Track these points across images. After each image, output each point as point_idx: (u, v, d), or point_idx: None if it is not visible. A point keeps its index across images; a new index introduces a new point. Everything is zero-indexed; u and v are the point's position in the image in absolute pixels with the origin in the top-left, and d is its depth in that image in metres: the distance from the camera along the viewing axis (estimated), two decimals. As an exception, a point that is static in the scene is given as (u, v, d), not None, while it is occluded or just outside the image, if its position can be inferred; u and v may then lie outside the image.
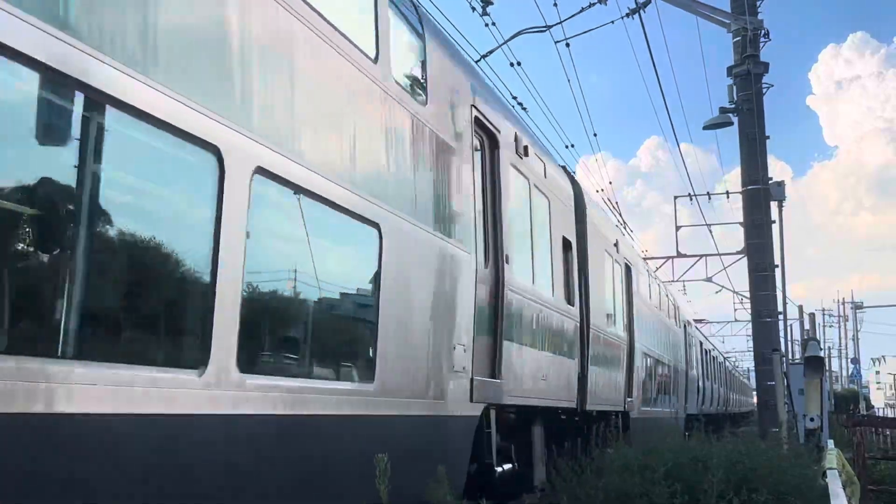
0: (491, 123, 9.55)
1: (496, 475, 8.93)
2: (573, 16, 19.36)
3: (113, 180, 4.32)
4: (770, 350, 20.17)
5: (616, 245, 17.19)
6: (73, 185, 4.07)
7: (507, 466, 9.52)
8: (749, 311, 24.21)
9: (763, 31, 21.74)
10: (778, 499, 7.26)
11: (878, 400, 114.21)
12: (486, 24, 16.04)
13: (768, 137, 21.96)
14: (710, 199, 32.90)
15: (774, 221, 22.44)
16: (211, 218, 4.84)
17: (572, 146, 59.13)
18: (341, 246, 6.73)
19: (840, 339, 78.87)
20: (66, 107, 4.05)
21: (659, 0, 21.67)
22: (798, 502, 7.15)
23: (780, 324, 22.87)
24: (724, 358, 56.27)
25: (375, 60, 6.89)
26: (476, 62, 12.67)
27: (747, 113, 21.49)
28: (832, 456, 9.70)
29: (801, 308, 52.95)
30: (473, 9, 15.44)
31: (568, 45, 19.92)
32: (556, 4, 18.58)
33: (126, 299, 4.57)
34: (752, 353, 25.72)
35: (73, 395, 3.87)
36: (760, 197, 21.57)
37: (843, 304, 77.65)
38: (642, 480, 6.82)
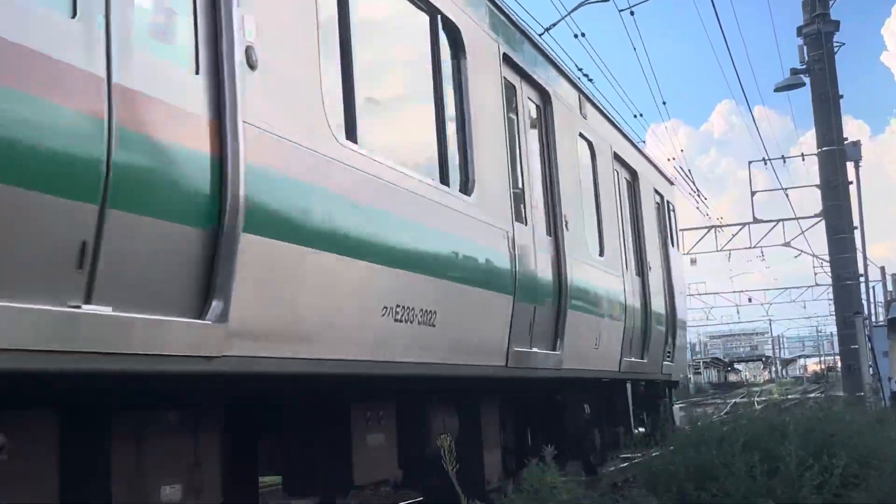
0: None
1: None
2: (635, -17, 19.09)
3: None
4: (852, 313, 19.84)
5: None
6: None
7: None
8: (830, 274, 23.80)
9: (832, -12, 21.26)
10: (860, 462, 7.24)
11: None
12: (549, -1, 15.99)
13: (842, 97, 21.53)
14: (784, 162, 32.33)
15: (852, 182, 21.99)
16: None
17: (641, 115, 58.44)
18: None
19: (927, 298, 76.73)
20: None
21: (723, -37, 21.24)
22: (882, 465, 7.13)
23: (862, 286, 22.47)
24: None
25: None
26: (540, 35, 12.67)
27: (819, 73, 21.05)
28: (918, 418, 9.58)
29: (882, 269, 51.58)
30: (534, -16, 15.41)
31: (632, 13, 19.70)
32: (617, -27, 18.45)
33: None
34: (834, 318, 25.25)
35: None
36: (836, 158, 21.15)
37: (930, 262, 75.36)
38: (720, 453, 6.89)
